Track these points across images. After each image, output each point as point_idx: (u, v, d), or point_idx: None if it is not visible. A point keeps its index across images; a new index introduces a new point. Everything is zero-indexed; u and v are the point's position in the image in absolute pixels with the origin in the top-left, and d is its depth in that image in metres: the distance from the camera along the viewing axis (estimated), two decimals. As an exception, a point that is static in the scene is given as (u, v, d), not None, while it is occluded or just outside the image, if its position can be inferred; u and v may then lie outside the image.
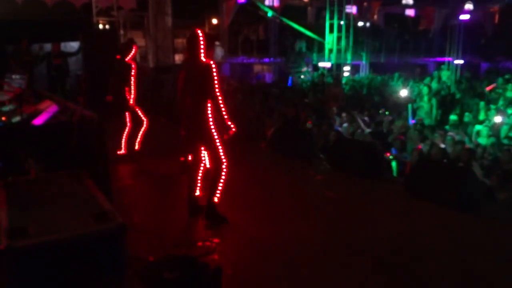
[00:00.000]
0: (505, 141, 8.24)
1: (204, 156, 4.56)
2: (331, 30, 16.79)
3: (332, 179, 6.11)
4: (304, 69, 19.13)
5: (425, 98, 10.81)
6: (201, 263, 3.18)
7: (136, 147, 6.58)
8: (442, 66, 18.13)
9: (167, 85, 11.43)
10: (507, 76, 13.88)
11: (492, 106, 10.52)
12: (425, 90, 11.17)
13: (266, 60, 19.97)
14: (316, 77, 16.30)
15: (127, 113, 6.44)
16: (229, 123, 4.27)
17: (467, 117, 9.97)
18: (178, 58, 14.36)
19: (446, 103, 11.67)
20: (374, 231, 4.39)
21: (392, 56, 21.46)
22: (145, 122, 6.48)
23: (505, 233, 4.43)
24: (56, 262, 2.17)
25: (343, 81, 15.36)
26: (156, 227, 4.37)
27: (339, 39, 16.52)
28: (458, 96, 12.79)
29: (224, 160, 4.28)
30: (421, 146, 7.39)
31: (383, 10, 23.91)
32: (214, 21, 21.45)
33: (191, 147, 4.52)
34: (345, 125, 9.14)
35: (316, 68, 19.28)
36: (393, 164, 6.98)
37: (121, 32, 15.40)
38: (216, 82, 4.12)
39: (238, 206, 4.90)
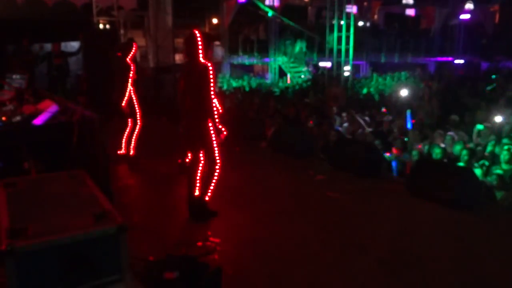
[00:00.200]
0: (506, 141, 8.22)
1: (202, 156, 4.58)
2: (332, 30, 16.77)
3: (332, 179, 6.10)
4: (304, 69, 19.15)
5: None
6: (201, 263, 3.18)
7: (131, 152, 6.45)
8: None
9: (167, 85, 11.44)
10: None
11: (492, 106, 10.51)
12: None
13: (266, 60, 19.98)
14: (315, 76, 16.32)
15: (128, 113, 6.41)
16: (220, 126, 4.33)
17: (467, 116, 9.95)
18: (178, 58, 14.35)
19: (446, 103, 11.66)
20: (374, 231, 4.39)
21: (392, 56, 21.47)
22: (138, 126, 6.32)
23: (505, 233, 4.43)
24: (56, 262, 2.17)
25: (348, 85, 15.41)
26: (156, 227, 4.37)
27: (339, 38, 16.50)
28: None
29: (218, 161, 4.39)
30: (421, 145, 7.40)
31: (384, 10, 23.95)
32: (215, 20, 21.48)
33: (190, 147, 4.54)
34: (345, 125, 9.15)
35: (316, 68, 19.29)
36: (393, 164, 6.99)
37: (122, 31, 15.42)
38: (211, 84, 4.13)
39: (238, 206, 4.91)
